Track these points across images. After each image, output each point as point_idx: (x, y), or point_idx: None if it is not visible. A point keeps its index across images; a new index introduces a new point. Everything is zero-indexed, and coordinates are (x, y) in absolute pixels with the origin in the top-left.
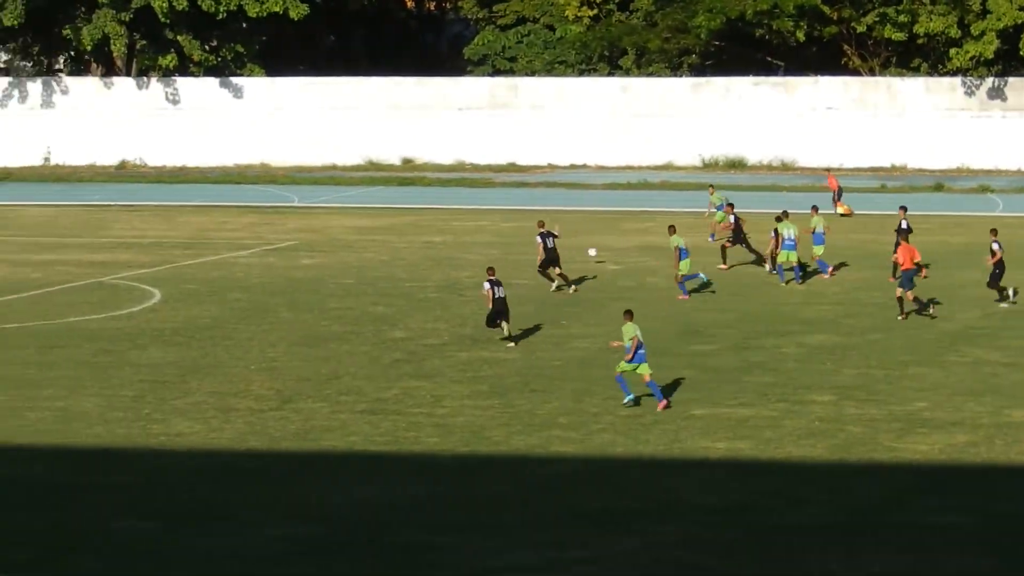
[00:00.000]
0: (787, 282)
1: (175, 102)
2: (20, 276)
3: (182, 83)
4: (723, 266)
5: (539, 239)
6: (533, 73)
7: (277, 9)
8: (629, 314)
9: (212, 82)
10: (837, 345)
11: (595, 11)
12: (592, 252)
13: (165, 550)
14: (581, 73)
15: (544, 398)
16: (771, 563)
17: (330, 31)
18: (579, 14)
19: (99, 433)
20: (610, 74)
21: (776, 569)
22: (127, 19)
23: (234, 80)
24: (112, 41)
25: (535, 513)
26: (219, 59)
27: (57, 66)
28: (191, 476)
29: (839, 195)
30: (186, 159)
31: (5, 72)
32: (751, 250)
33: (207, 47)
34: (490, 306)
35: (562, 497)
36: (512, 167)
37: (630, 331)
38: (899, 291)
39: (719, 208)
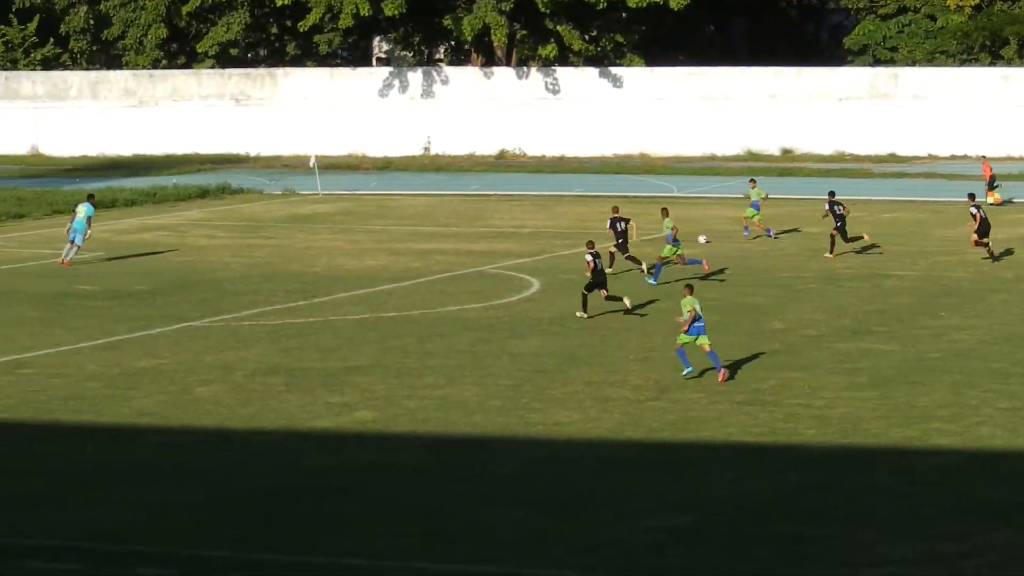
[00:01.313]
0: None
1: (555, 92)
2: (400, 265)
3: (562, 73)
4: (831, 255)
5: (608, 224)
6: (914, 63)
7: None
8: (689, 288)
9: (591, 72)
10: None
11: (976, 0)
12: (702, 239)
13: (542, 538)
14: (962, 63)
15: (923, 390)
16: None
17: (709, 20)
18: (960, 3)
19: (478, 421)
20: (991, 64)
21: None
22: (507, 9)
23: (613, 70)
24: (492, 31)
25: (912, 505)
26: (598, 49)
27: (437, 56)
28: (569, 465)
29: (992, 183)
30: (565, 149)
31: (386, 62)
32: (846, 239)
33: (587, 37)
34: (589, 276)
35: (940, 490)
36: (892, 157)
37: (688, 305)
38: None
39: (754, 205)
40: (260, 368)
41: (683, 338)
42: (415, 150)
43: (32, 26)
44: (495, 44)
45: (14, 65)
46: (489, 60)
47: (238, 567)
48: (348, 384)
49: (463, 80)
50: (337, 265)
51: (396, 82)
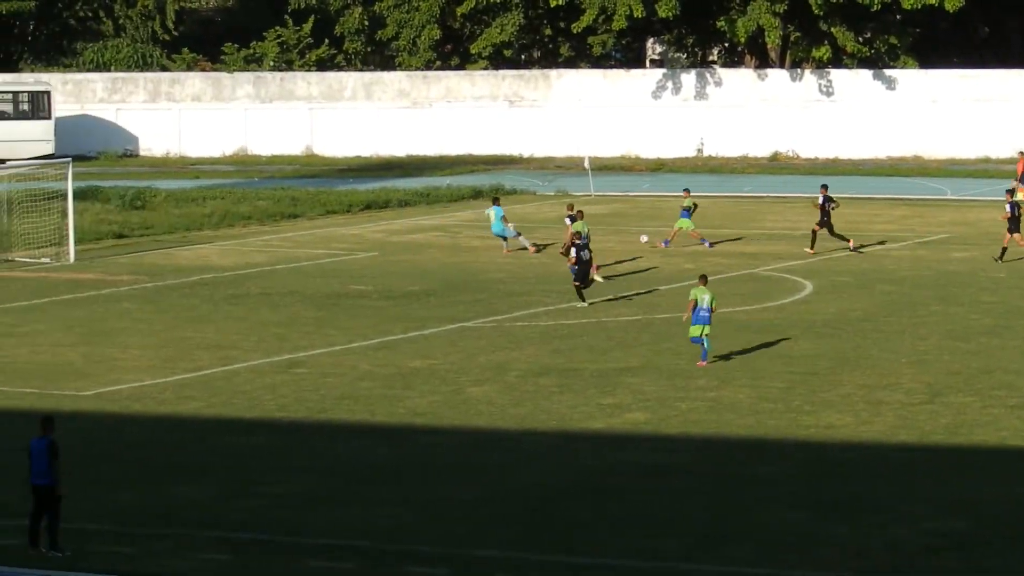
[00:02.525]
0: None
1: (828, 94)
2: (672, 267)
3: (835, 75)
4: (809, 250)
5: (567, 221)
6: None
7: (932, 1)
8: (703, 279)
9: (865, 74)
10: None
11: None
12: (644, 239)
13: (816, 541)
14: None
15: None
16: None
17: (983, 21)
18: None
19: (750, 424)
20: None
21: None
22: (781, 11)
23: (887, 72)
24: (767, 33)
25: None
26: (872, 51)
27: (711, 58)
28: (842, 468)
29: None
30: (838, 151)
31: (659, 64)
32: (833, 233)
33: (860, 39)
34: (576, 265)
35: None
36: None
37: (696, 294)
38: None
39: (684, 213)
40: (532, 369)
41: (693, 331)
42: (688, 151)
43: (307, 27)
44: (769, 46)
45: (289, 66)
46: (763, 62)
47: (510, 567)
48: (620, 385)
49: (736, 82)
50: (609, 267)
51: (670, 84)
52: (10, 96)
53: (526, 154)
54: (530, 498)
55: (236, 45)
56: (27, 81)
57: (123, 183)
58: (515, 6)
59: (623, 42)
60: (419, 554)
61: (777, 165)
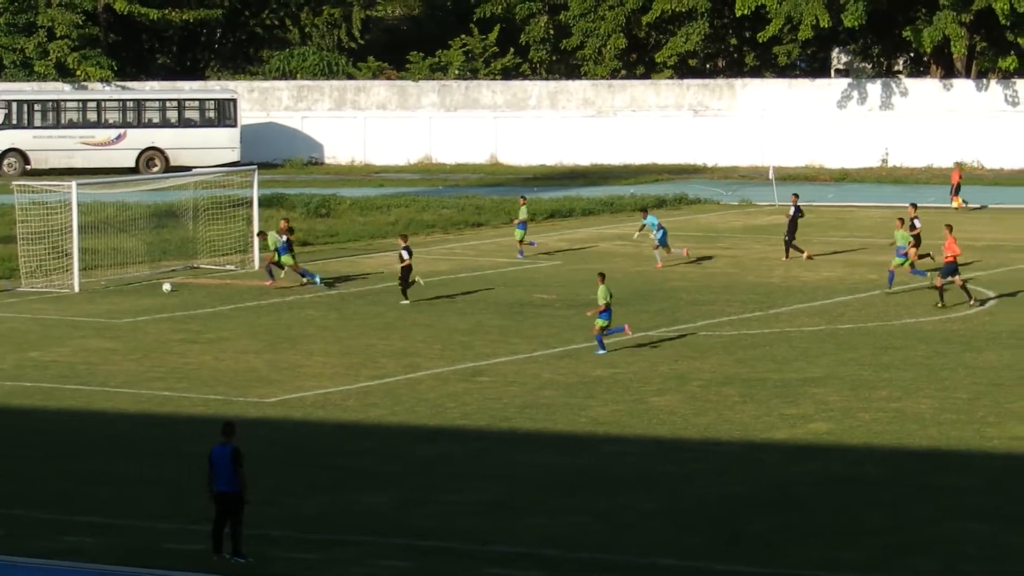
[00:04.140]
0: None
1: (1014, 104)
2: (856, 277)
3: (1021, 85)
4: (804, 254)
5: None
6: None
7: None
8: (601, 277)
9: None
10: None
11: None
12: (167, 287)
13: (1000, 553)
14: None
15: None
16: None
17: None
18: None
19: (932, 435)
20: None
21: None
22: (967, 21)
23: None
24: (952, 43)
25: None
26: None
27: (896, 67)
28: None
29: (957, 190)
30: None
31: (845, 73)
32: (792, 246)
33: None
34: (401, 267)
35: None
36: None
37: (604, 293)
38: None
39: (522, 226)
40: (715, 378)
41: (600, 323)
42: (872, 162)
43: (492, 36)
44: (954, 56)
45: (474, 75)
46: (948, 72)
47: None
48: (803, 395)
49: (921, 91)
50: (793, 276)
51: (855, 93)
52: (197, 104)
53: (710, 163)
54: (712, 508)
55: (421, 54)
56: (214, 89)
57: (308, 191)
58: (700, 15)
59: (808, 52)
60: (601, 563)
61: (963, 174)
